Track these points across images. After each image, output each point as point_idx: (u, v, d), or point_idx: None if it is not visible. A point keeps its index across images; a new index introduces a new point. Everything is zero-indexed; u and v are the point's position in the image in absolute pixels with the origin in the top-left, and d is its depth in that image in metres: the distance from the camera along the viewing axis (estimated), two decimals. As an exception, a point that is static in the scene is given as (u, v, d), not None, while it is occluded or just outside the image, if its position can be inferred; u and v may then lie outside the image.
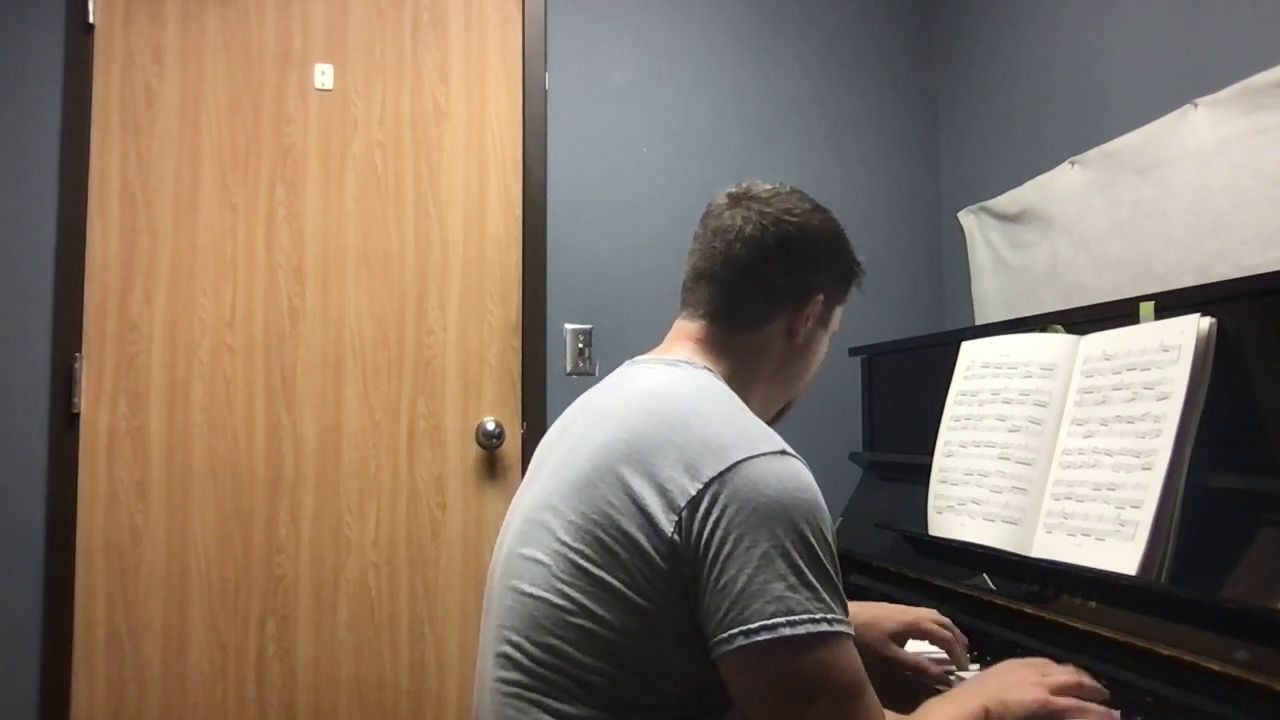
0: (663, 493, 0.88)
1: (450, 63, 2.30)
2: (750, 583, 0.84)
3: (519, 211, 2.31)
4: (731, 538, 0.85)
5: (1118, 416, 1.22)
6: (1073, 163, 1.98)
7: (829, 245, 1.10)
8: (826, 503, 0.92)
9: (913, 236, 2.55)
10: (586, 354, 2.31)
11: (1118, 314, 1.34)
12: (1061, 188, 2.01)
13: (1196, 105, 1.65)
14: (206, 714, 2.09)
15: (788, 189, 1.11)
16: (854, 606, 1.29)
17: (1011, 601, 1.30)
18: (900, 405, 2.02)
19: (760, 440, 0.91)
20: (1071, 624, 1.17)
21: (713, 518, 0.86)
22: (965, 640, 1.28)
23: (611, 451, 0.93)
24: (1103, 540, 1.18)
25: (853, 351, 2.13)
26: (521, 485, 1.10)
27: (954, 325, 2.44)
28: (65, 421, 2.05)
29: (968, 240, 2.39)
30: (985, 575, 1.41)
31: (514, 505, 1.08)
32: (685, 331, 1.09)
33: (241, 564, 2.13)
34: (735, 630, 0.84)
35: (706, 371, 1.03)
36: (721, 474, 0.87)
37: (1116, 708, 1.02)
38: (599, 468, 0.93)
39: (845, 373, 2.12)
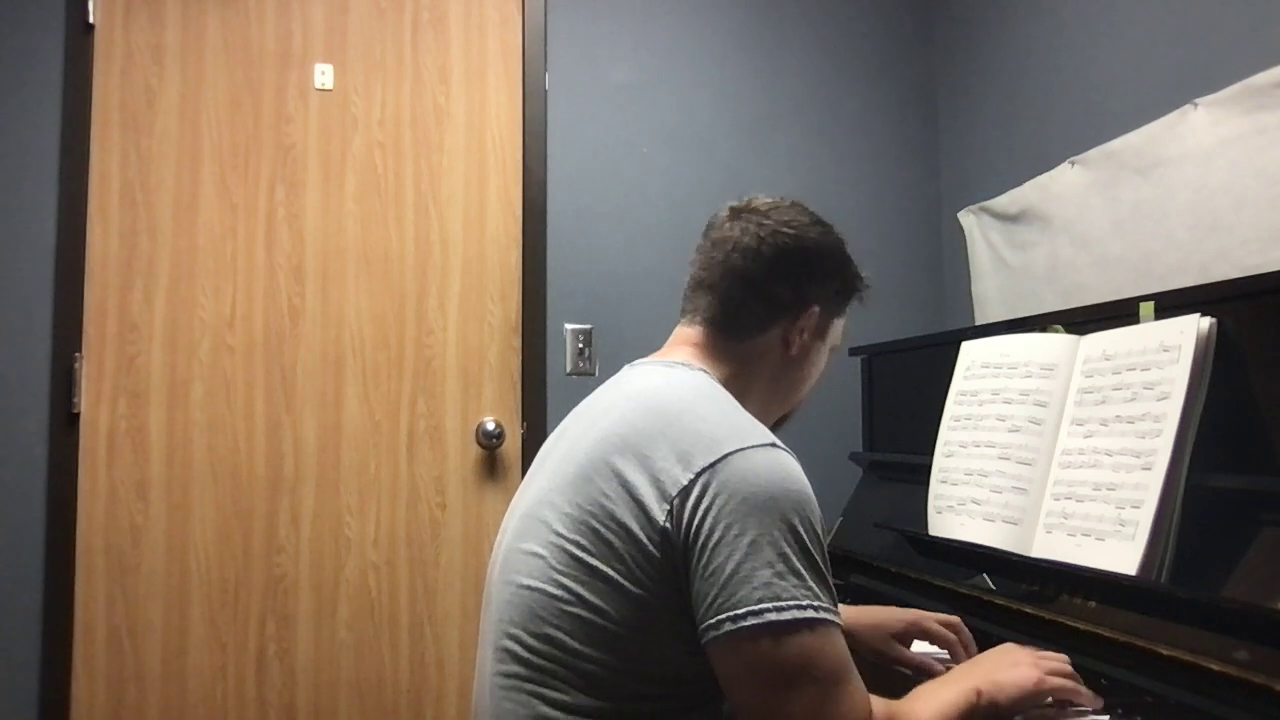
0: (656, 482, 0.90)
1: (450, 63, 2.30)
2: (738, 569, 0.86)
3: (519, 211, 2.31)
4: (721, 526, 0.87)
5: (1118, 416, 1.22)
6: (1073, 163, 1.98)
7: (826, 258, 1.12)
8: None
9: (913, 236, 2.55)
10: (586, 354, 2.31)
11: (1118, 314, 1.34)
12: (1061, 188, 2.01)
13: (1196, 105, 1.65)
14: (206, 714, 2.09)
15: (788, 202, 1.14)
16: (858, 610, 1.32)
17: (1011, 601, 1.30)
18: (900, 405, 2.02)
19: (751, 434, 0.93)
20: (1071, 624, 1.17)
21: (703, 506, 0.88)
22: (971, 639, 1.27)
23: (607, 445, 0.96)
24: (1103, 540, 1.18)
25: (853, 351, 2.13)
26: (521, 486, 1.12)
27: (954, 325, 2.44)
28: (65, 421, 2.05)
29: (968, 240, 2.39)
30: (985, 575, 1.41)
31: (513, 505, 1.10)
32: (684, 337, 1.12)
33: (241, 564, 2.13)
34: (723, 616, 0.86)
35: (703, 373, 1.06)
36: (712, 464, 0.89)
37: (1116, 708, 1.02)
38: (594, 461, 0.96)
39: (845, 373, 2.12)
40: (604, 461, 0.95)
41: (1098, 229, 1.90)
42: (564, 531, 0.94)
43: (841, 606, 0.97)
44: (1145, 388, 1.19)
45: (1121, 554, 1.14)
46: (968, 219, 2.39)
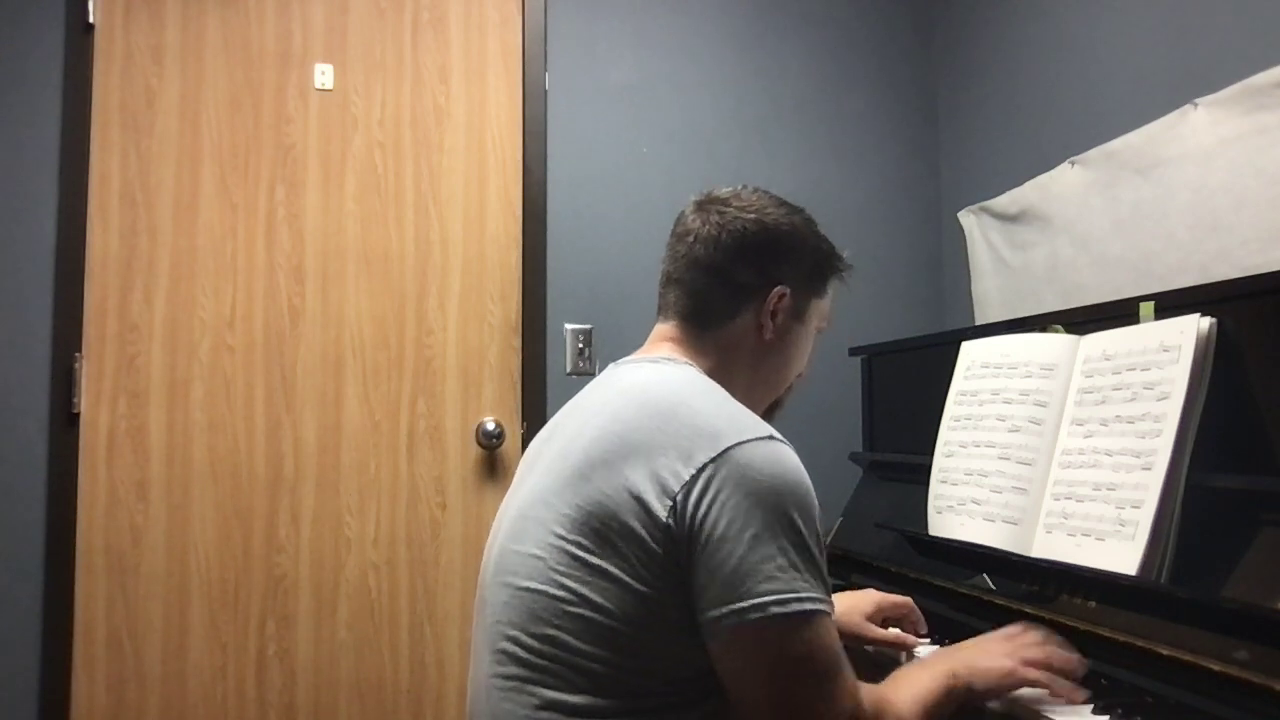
0: (657, 479, 0.90)
1: (450, 63, 2.30)
2: (741, 563, 0.86)
3: (519, 211, 2.31)
4: (724, 520, 0.88)
5: (1118, 416, 1.22)
6: (1073, 163, 1.98)
7: (789, 239, 1.11)
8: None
9: (913, 236, 2.55)
10: (586, 354, 2.31)
11: (1118, 314, 1.34)
12: (1061, 188, 2.01)
13: (1196, 105, 1.65)
14: (206, 714, 2.09)
15: (750, 189, 1.14)
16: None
17: (1011, 601, 1.30)
18: (900, 405, 2.02)
19: (749, 426, 0.94)
20: (1071, 624, 1.17)
21: (705, 500, 0.88)
22: (920, 617, 1.38)
23: (605, 444, 0.95)
24: (1103, 540, 1.18)
25: (853, 351, 2.13)
26: (511, 487, 1.12)
27: (954, 325, 2.44)
28: (65, 421, 2.05)
29: (968, 240, 2.39)
30: (985, 575, 1.41)
31: (504, 506, 1.09)
32: (662, 334, 1.13)
33: (241, 564, 2.13)
34: (725, 609, 0.86)
35: (690, 366, 1.06)
36: (714, 459, 0.90)
37: (1116, 708, 1.02)
38: (592, 460, 0.95)
39: (845, 373, 2.12)
40: (602, 460, 0.94)
41: (1098, 229, 1.90)
42: (563, 532, 0.93)
43: None
44: (1145, 388, 1.19)
45: (1121, 554, 1.14)
46: (968, 219, 2.39)
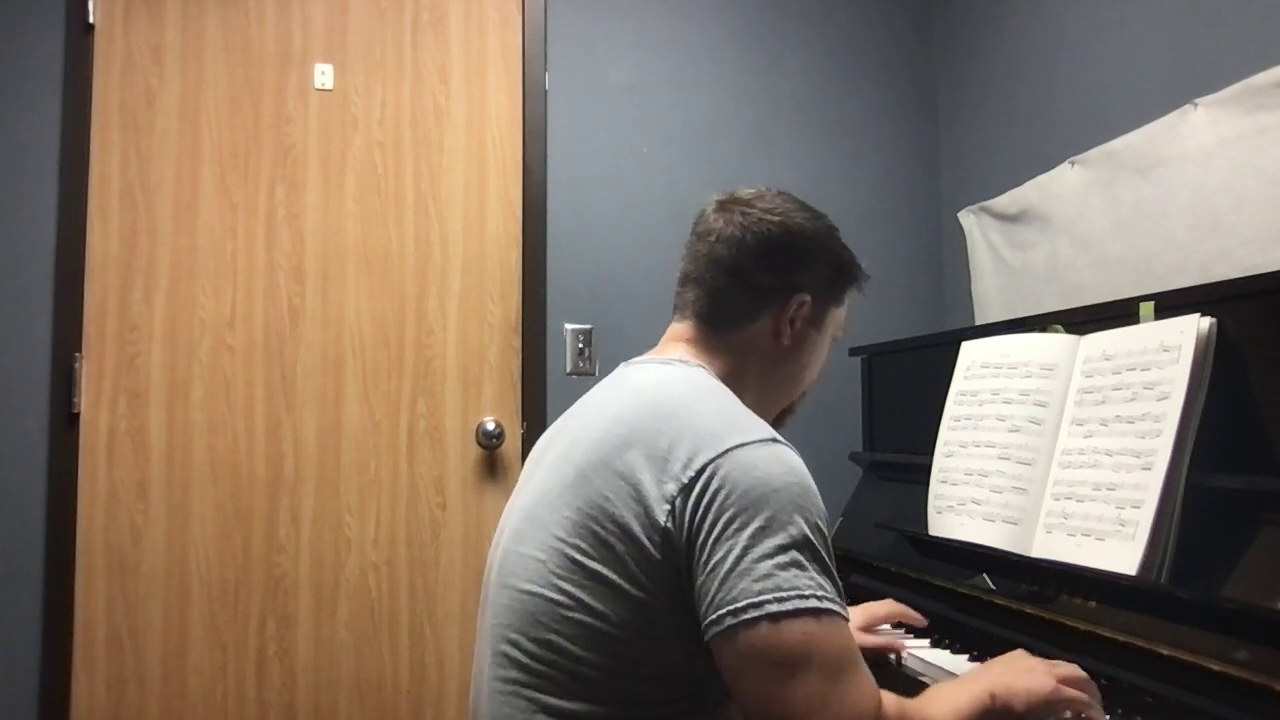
0: (656, 482, 0.89)
1: (450, 63, 2.30)
2: (739, 563, 0.85)
3: (519, 211, 2.31)
4: (722, 521, 0.86)
5: (1118, 416, 1.22)
6: (1073, 163, 1.98)
7: (813, 244, 1.10)
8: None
9: (913, 236, 2.55)
10: (586, 354, 2.31)
11: (1118, 314, 1.34)
12: (1061, 188, 2.01)
13: (1196, 105, 1.65)
14: (206, 714, 2.09)
15: (774, 192, 1.12)
16: None
17: (1011, 601, 1.30)
18: (900, 405, 2.02)
19: (751, 429, 0.92)
20: (1071, 624, 1.17)
21: (704, 502, 0.87)
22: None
23: (605, 445, 0.95)
24: (1103, 540, 1.18)
25: (853, 351, 2.13)
26: (516, 488, 1.11)
27: (954, 325, 2.44)
28: (65, 421, 2.05)
29: (968, 240, 2.39)
30: (985, 575, 1.41)
31: (509, 507, 1.09)
32: (677, 333, 1.11)
33: (241, 564, 2.13)
34: (724, 610, 0.85)
35: (701, 369, 1.05)
36: (713, 460, 0.89)
37: (1116, 708, 1.02)
38: (593, 462, 0.94)
39: (845, 373, 2.12)
40: (603, 462, 0.93)
41: (1098, 229, 1.90)
42: (563, 535, 0.93)
43: None
44: (1145, 388, 1.19)
45: (1121, 554, 1.14)
46: (968, 219, 2.39)
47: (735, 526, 0.86)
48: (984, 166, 2.39)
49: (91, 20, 2.12)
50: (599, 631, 0.89)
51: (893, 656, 1.32)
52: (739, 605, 0.84)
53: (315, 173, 2.22)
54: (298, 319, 2.19)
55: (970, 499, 1.45)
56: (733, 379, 1.06)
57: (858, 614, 1.36)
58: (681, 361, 1.06)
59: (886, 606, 1.41)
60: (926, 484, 1.57)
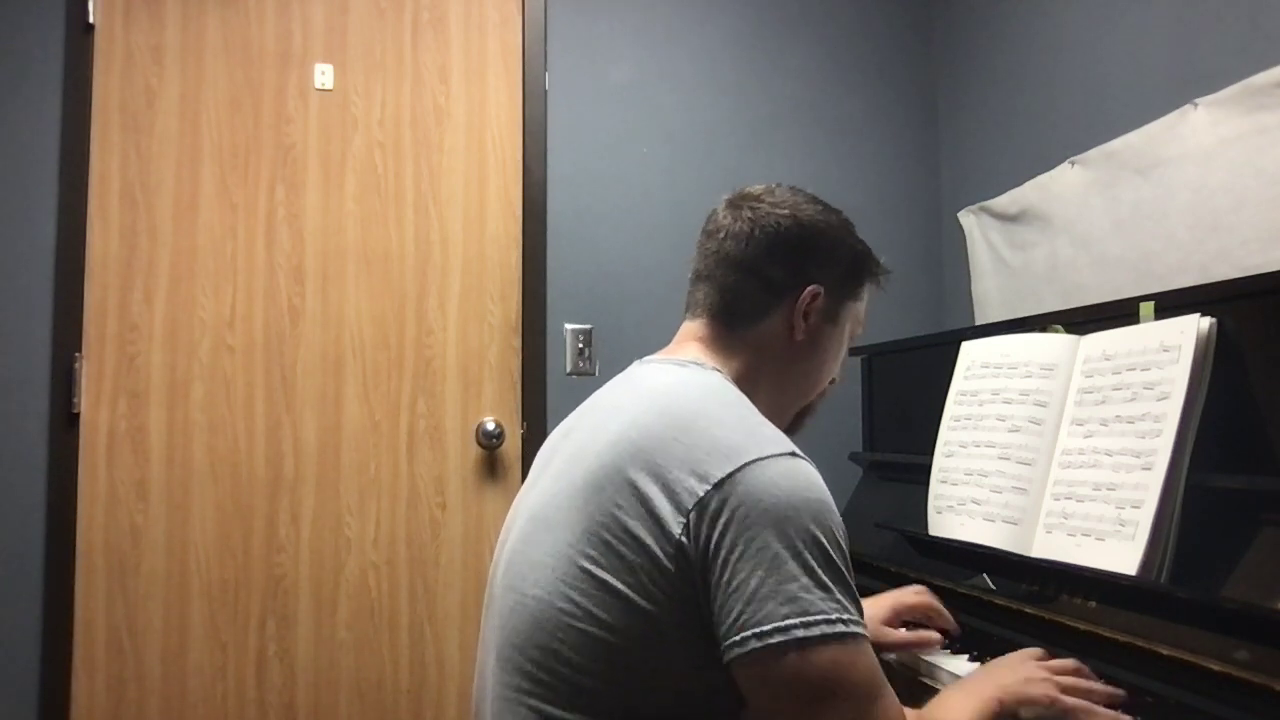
0: (670, 494, 0.87)
1: (450, 63, 2.30)
2: (763, 584, 0.83)
3: (519, 211, 2.31)
4: (743, 540, 0.84)
5: (1118, 416, 1.22)
6: (1073, 163, 1.98)
7: (824, 237, 1.08)
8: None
9: (913, 236, 2.55)
10: (586, 354, 2.31)
11: (1118, 314, 1.34)
12: (1061, 188, 2.01)
13: (1196, 105, 1.65)
14: (206, 714, 2.09)
15: (786, 187, 1.11)
16: None
17: (1011, 601, 1.30)
18: (900, 405, 2.02)
19: (769, 442, 0.90)
20: (1071, 624, 1.17)
21: (722, 519, 0.85)
22: (941, 607, 1.33)
23: (619, 451, 0.92)
24: (1103, 540, 1.18)
25: (853, 352, 2.12)
26: (524, 485, 1.09)
27: (954, 325, 2.44)
28: (65, 421, 2.05)
29: (968, 240, 2.39)
30: (985, 575, 1.41)
31: (516, 505, 1.07)
32: (689, 332, 1.09)
33: (241, 564, 2.13)
34: (748, 633, 0.82)
35: (716, 372, 1.02)
36: (730, 475, 0.86)
37: (1122, 707, 1.02)
38: (605, 468, 0.91)
39: (845, 373, 2.12)
40: (615, 469, 0.91)
41: (1098, 229, 1.90)
42: (572, 541, 0.90)
43: None
44: (1145, 388, 1.19)
45: (1121, 554, 1.14)
46: (968, 219, 2.39)
47: (757, 546, 0.84)
48: (984, 166, 2.39)
49: (91, 20, 2.12)
50: (604, 643, 0.87)
51: (922, 655, 1.28)
52: (763, 629, 0.82)
53: (315, 173, 2.22)
54: (298, 319, 2.19)
55: (970, 499, 1.45)
56: (747, 379, 1.04)
57: (885, 604, 1.32)
58: (696, 364, 1.03)
59: (915, 596, 1.35)
60: (926, 484, 1.57)
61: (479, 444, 2.24)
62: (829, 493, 0.89)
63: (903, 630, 1.33)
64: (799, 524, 0.85)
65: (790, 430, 1.06)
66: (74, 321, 2.07)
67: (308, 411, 2.18)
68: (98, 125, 2.12)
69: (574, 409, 1.13)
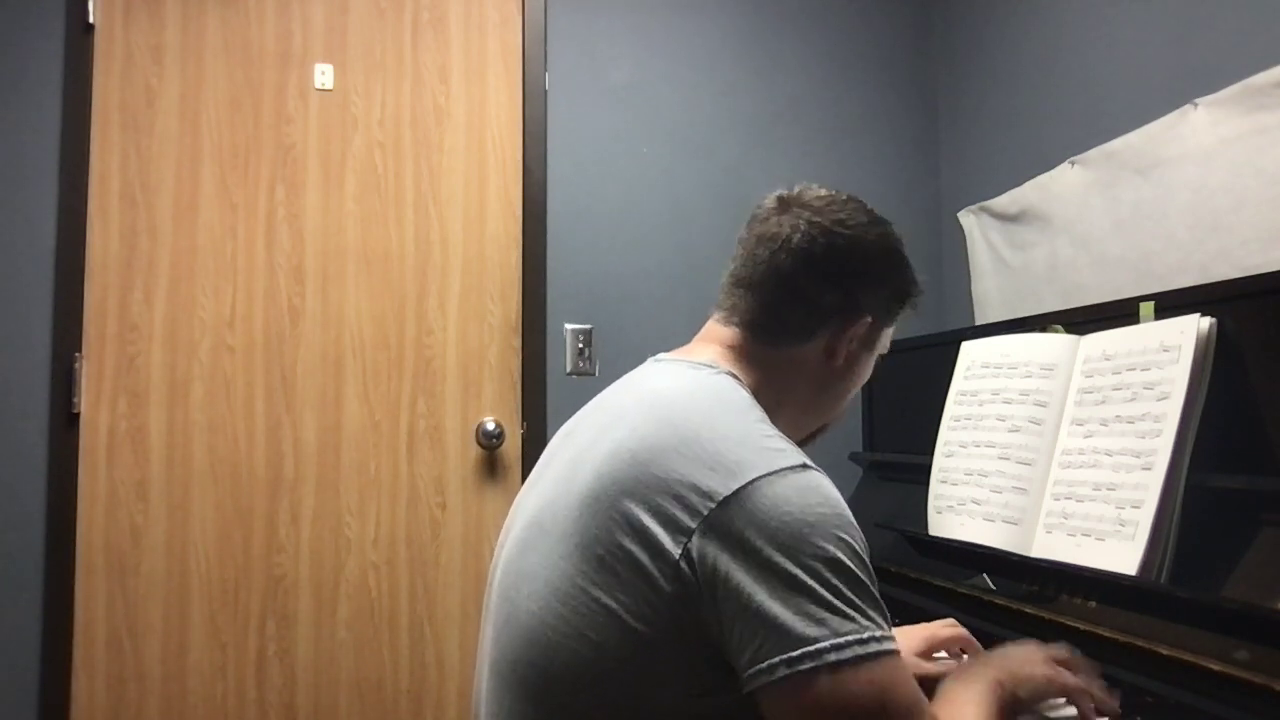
0: (670, 512, 0.82)
1: (450, 63, 2.30)
2: (785, 606, 0.78)
3: (519, 211, 2.31)
4: (755, 562, 0.79)
5: (1118, 416, 1.22)
6: (1073, 163, 1.98)
7: (883, 263, 1.04)
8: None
9: (913, 236, 2.51)
10: (586, 354, 2.31)
11: (1118, 314, 1.34)
12: (1061, 188, 2.01)
13: (1196, 105, 1.65)
14: (206, 714, 2.09)
15: (844, 196, 1.05)
16: None
17: (1011, 601, 1.30)
18: (900, 405, 2.02)
19: (778, 455, 0.85)
20: (1071, 624, 1.17)
21: (729, 540, 0.80)
22: (971, 636, 1.29)
23: (617, 463, 0.87)
24: (1103, 540, 1.18)
25: (853, 351, 2.13)
26: (527, 483, 1.05)
27: (954, 325, 2.44)
28: (65, 421, 2.05)
29: (968, 240, 2.39)
30: (985, 575, 1.41)
31: (517, 504, 1.04)
32: (716, 335, 1.03)
33: (241, 564, 2.13)
34: (776, 659, 0.77)
35: (730, 377, 0.96)
36: (736, 492, 0.81)
37: (1122, 707, 1.02)
38: (603, 480, 0.87)
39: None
40: (613, 481, 0.86)
41: (1098, 229, 1.90)
42: (566, 554, 0.86)
43: None
44: (1145, 388, 1.19)
45: (1121, 554, 1.14)
46: (968, 219, 2.39)
47: (771, 567, 0.79)
48: (984, 166, 2.39)
49: (91, 20, 2.12)
50: (594, 664, 0.83)
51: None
52: (792, 655, 0.77)
53: (315, 173, 2.22)
54: (298, 319, 2.19)
55: (970, 499, 1.45)
56: (768, 394, 0.98)
57: (918, 635, 1.27)
58: (710, 367, 0.98)
59: (949, 630, 1.30)
60: (926, 484, 1.57)
61: (479, 444, 2.24)
62: (844, 503, 0.85)
63: (943, 656, 1.29)
64: (815, 542, 0.80)
65: (803, 445, 1.01)
66: (74, 321, 2.07)
67: (308, 411, 2.18)
68: (98, 125, 2.12)
69: (574, 409, 1.11)
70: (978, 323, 2.30)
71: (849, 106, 2.54)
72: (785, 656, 0.77)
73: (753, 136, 2.47)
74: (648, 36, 2.42)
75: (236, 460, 2.14)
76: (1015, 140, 2.25)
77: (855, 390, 1.10)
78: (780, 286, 1.00)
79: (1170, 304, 1.26)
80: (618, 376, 1.10)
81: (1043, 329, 1.48)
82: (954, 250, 2.48)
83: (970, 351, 1.59)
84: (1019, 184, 2.16)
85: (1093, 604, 1.18)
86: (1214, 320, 1.15)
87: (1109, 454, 1.21)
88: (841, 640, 0.77)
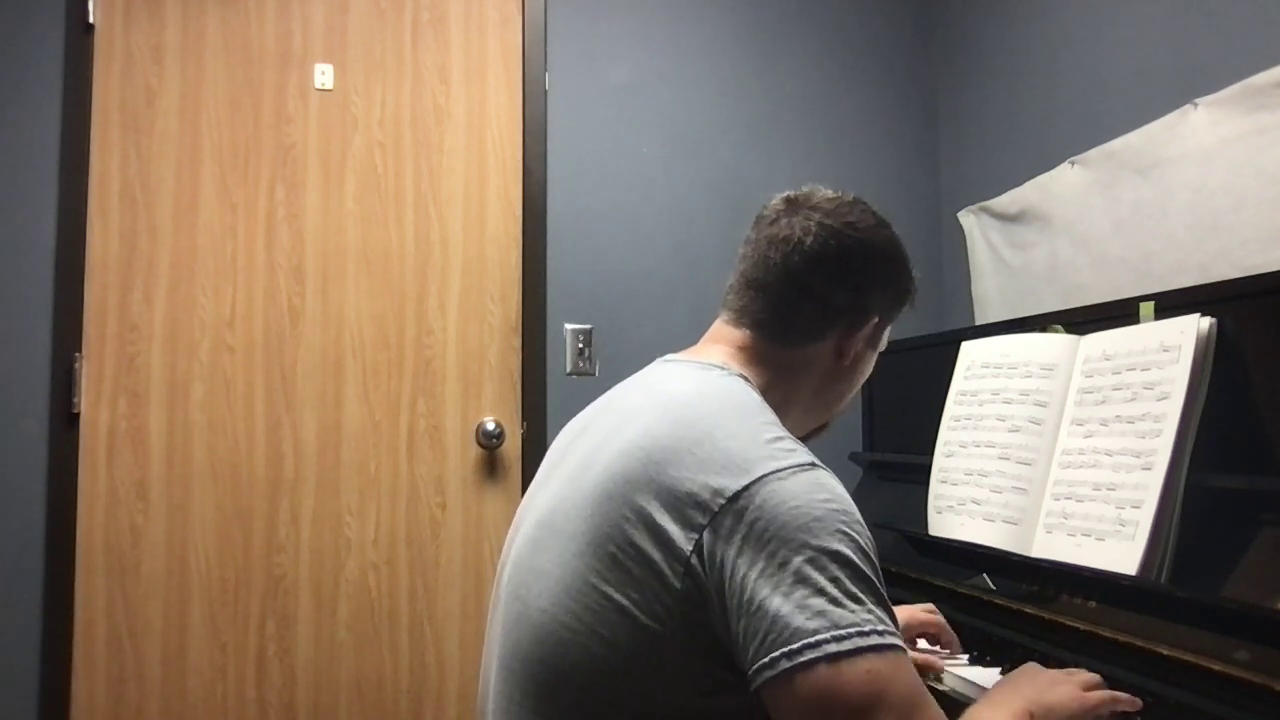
0: (681, 509, 0.83)
1: (450, 63, 2.30)
2: (787, 600, 0.78)
3: (519, 211, 2.31)
4: (762, 557, 0.80)
5: (1118, 416, 1.22)
6: (1073, 163, 1.98)
7: (890, 264, 1.06)
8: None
9: (913, 236, 2.51)
10: (586, 354, 2.31)
11: (1118, 314, 1.34)
12: (1061, 188, 2.01)
13: (1196, 105, 1.65)
14: (206, 714, 2.09)
15: (850, 198, 1.07)
16: None
17: (1011, 601, 1.30)
18: (900, 405, 2.02)
19: (787, 454, 0.86)
20: (1071, 624, 1.17)
21: (738, 537, 0.81)
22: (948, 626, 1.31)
23: (630, 461, 0.88)
24: (1103, 540, 1.18)
25: (853, 351, 2.13)
26: (535, 482, 1.06)
27: (954, 325, 2.44)
28: (65, 421, 2.05)
29: (968, 240, 2.39)
30: (985, 575, 1.41)
31: (525, 503, 1.04)
32: (725, 336, 1.04)
33: (241, 564, 2.13)
34: (777, 653, 0.77)
35: (740, 379, 0.98)
36: (745, 489, 0.82)
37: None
38: (615, 478, 0.88)
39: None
40: (625, 480, 0.87)
41: (1098, 229, 1.90)
42: (579, 552, 0.87)
43: None
44: (1145, 388, 1.19)
45: (1121, 554, 1.14)
46: (968, 219, 2.39)
47: (779, 562, 0.79)
48: (984, 166, 2.39)
49: (91, 20, 2.12)
50: (606, 662, 0.84)
51: (930, 676, 1.25)
52: (793, 647, 0.77)
53: (315, 173, 2.22)
54: (298, 319, 2.19)
55: (970, 499, 1.45)
56: (776, 393, 1.00)
57: (899, 618, 1.29)
58: (720, 368, 0.99)
59: (927, 614, 1.31)
60: (926, 484, 1.57)
61: (479, 444, 2.24)
62: (851, 500, 0.86)
63: (923, 643, 1.31)
64: (821, 538, 0.80)
65: (805, 443, 1.03)
66: (74, 321, 2.07)
67: (308, 411, 2.18)
68: (98, 125, 2.12)
69: (574, 409, 1.11)
70: (978, 323, 2.30)
71: (849, 106, 2.54)
72: (786, 649, 0.77)
73: (753, 136, 2.47)
74: (647, 36, 2.42)
75: (236, 460, 2.14)
76: (1015, 140, 2.25)
77: (858, 387, 1.12)
78: (793, 288, 1.01)
79: (1170, 304, 1.26)
80: (618, 376, 1.10)
81: (1043, 329, 1.48)
82: (954, 250, 2.48)
83: (970, 351, 1.59)
84: (1019, 184, 2.16)
85: (1093, 604, 1.18)
86: (1214, 320, 1.15)
87: (1109, 454, 1.21)
88: (842, 631, 0.77)
